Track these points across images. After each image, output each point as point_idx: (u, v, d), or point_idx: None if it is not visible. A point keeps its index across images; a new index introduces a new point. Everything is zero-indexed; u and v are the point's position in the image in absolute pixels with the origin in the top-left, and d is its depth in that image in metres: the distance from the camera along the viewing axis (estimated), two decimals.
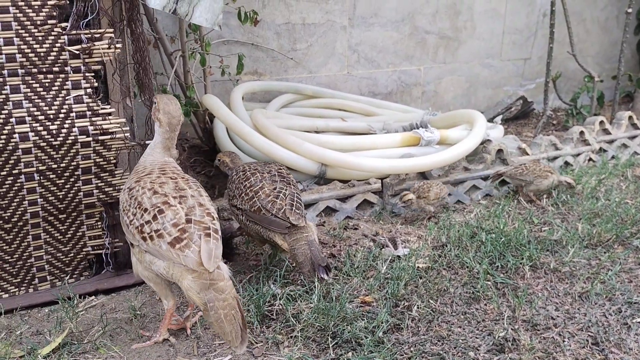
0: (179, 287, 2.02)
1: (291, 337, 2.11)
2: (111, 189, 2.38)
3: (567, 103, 5.11)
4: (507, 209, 3.24)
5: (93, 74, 2.24)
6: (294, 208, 2.42)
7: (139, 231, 1.94)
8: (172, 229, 1.89)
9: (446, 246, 2.79)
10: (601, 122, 4.21)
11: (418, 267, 2.58)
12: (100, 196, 2.37)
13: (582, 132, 4.01)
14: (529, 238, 2.82)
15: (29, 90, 2.15)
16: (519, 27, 5.28)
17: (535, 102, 5.38)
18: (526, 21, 5.30)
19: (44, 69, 2.15)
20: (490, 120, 4.63)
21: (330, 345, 2.05)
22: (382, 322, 2.15)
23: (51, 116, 2.19)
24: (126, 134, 2.32)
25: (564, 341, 2.11)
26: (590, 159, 4.04)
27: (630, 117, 4.37)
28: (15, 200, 2.23)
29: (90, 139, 2.26)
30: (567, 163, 3.92)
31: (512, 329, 2.16)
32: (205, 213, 1.98)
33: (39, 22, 2.10)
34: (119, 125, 2.30)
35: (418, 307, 2.28)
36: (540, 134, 4.65)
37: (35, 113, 2.17)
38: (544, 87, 4.77)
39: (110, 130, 2.29)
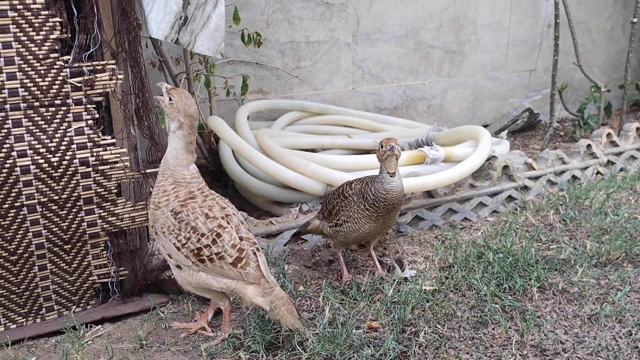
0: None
1: None
2: (114, 218, 2.39)
3: (574, 114, 5.08)
4: (514, 227, 3.21)
5: (94, 106, 2.25)
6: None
7: (195, 254, 2.09)
8: (231, 250, 2.09)
9: (453, 267, 2.77)
10: (608, 135, 4.17)
11: (425, 289, 2.56)
12: (104, 226, 2.38)
13: (589, 145, 3.98)
14: (536, 257, 2.80)
15: (30, 123, 2.16)
16: (523, 39, 5.27)
17: (542, 113, 5.36)
18: (530, 33, 5.28)
19: (46, 102, 2.16)
20: (496, 134, 4.61)
21: None
22: (389, 350, 2.13)
23: (52, 148, 2.20)
24: (126, 164, 2.33)
25: None
26: (598, 172, 4.01)
27: (638, 129, 4.33)
28: (20, 232, 2.24)
29: (90, 169, 2.27)
30: (574, 177, 3.88)
31: (520, 355, 2.13)
32: (246, 229, 2.19)
33: (41, 56, 2.12)
34: (119, 155, 2.31)
35: (425, 333, 2.25)
36: (547, 146, 4.62)
37: (37, 146, 2.18)
38: (550, 99, 4.74)
39: (110, 161, 2.30)
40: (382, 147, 2.49)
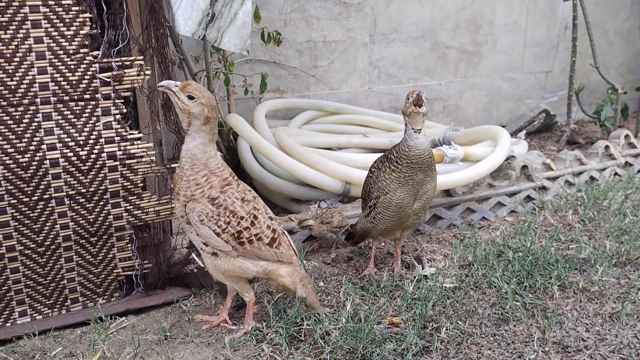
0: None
1: (320, 359, 2.12)
2: (140, 211, 2.42)
3: (591, 116, 5.07)
4: (533, 226, 3.22)
5: (122, 101, 2.28)
6: None
7: (235, 237, 2.13)
8: (267, 231, 2.19)
9: (473, 265, 2.78)
10: (626, 136, 4.16)
11: (445, 287, 2.57)
12: (130, 219, 2.41)
13: (607, 147, 3.98)
14: (556, 257, 2.80)
15: (60, 117, 2.20)
16: (540, 40, 5.26)
17: (558, 115, 5.35)
18: (547, 34, 5.28)
19: (75, 97, 2.20)
20: (514, 134, 4.61)
21: None
22: (411, 345, 2.15)
23: (81, 142, 2.24)
24: (152, 158, 2.36)
25: None
26: (616, 174, 4.00)
27: None
28: (47, 224, 2.28)
29: (117, 163, 2.31)
30: (592, 178, 3.88)
31: (542, 351, 2.14)
32: (270, 211, 2.29)
33: (71, 51, 2.16)
34: (145, 149, 2.34)
35: (447, 329, 2.27)
36: (564, 148, 4.61)
37: (66, 139, 2.21)
38: (567, 101, 4.73)
39: (136, 155, 2.33)
40: (408, 99, 2.42)
